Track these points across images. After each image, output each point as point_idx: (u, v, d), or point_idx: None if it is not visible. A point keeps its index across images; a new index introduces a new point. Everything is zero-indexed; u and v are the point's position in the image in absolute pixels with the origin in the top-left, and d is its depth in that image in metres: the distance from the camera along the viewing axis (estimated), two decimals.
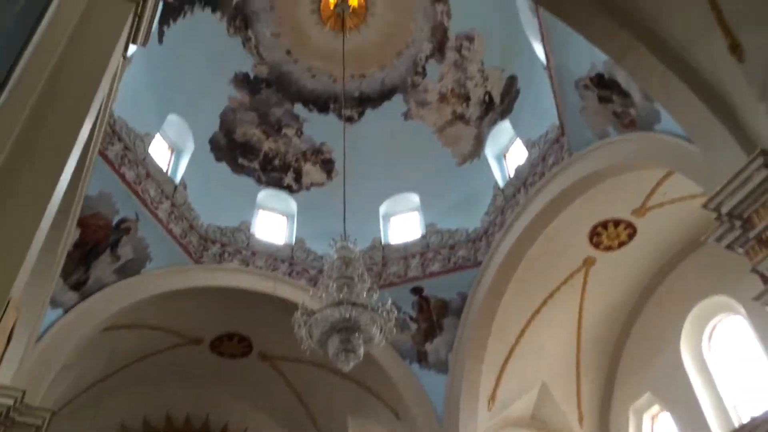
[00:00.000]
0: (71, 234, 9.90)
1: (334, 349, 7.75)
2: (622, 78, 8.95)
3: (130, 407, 13.52)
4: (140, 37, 4.47)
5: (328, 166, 14.94)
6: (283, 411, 14.43)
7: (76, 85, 3.58)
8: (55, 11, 3.42)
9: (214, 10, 12.96)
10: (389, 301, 8.22)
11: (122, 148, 10.97)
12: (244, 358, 13.88)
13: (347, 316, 7.48)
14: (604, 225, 11.93)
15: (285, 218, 14.48)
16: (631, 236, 12.15)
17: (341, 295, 7.81)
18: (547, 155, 11.61)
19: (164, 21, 11.71)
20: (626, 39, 7.95)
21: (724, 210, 6.91)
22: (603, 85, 9.32)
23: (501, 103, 13.32)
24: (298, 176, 14.77)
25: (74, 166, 3.87)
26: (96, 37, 3.71)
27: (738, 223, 6.90)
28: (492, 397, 12.81)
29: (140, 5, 4.10)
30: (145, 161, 11.51)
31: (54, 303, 10.04)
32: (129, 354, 12.54)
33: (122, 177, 10.81)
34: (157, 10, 4.65)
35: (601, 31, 8.12)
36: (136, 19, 4.18)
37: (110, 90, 9.58)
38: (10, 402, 5.74)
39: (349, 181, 12.79)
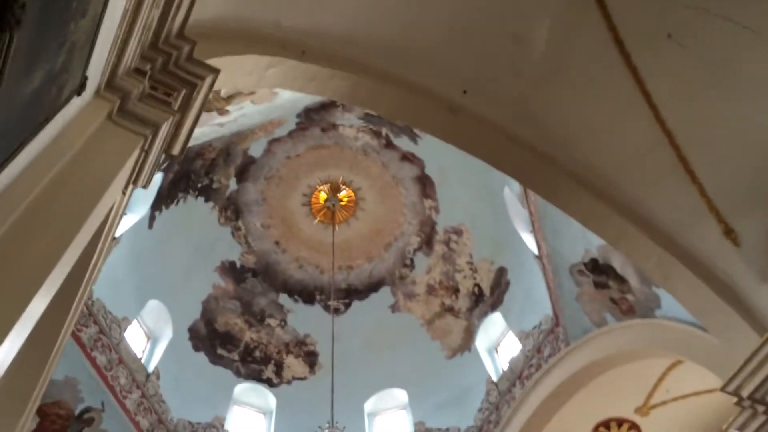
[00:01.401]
0: (28, 423, 8.95)
1: None
2: (617, 263, 8.88)
3: None
4: (142, 179, 4.26)
5: (311, 358, 14.27)
6: None
7: (65, 213, 3.29)
8: (57, 132, 3.23)
9: (207, 200, 13.16)
10: None
11: (97, 332, 10.38)
12: None
13: None
14: (607, 425, 11.18)
15: (262, 415, 13.44)
16: None
17: None
18: (543, 346, 11.18)
19: (157, 207, 11.78)
20: (620, 223, 7.99)
21: (745, 393, 6.43)
22: (598, 270, 9.23)
23: (491, 295, 13.14)
24: (279, 369, 14.02)
25: (23, 340, 3.30)
26: (97, 167, 3.49)
27: (761, 409, 6.39)
28: None
29: (148, 141, 3.95)
30: (119, 346, 10.84)
31: None
32: None
33: (92, 362, 10.09)
34: (161, 155, 4.51)
35: (595, 217, 8.19)
36: (142, 155, 4.00)
37: (94, 267, 9.26)
38: None
39: (334, 375, 12.14)
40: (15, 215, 2.90)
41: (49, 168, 3.17)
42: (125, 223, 10.68)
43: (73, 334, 9.66)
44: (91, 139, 3.56)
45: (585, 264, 9.38)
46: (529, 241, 11.55)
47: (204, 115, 8.14)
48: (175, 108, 4.34)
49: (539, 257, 10.90)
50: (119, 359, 10.74)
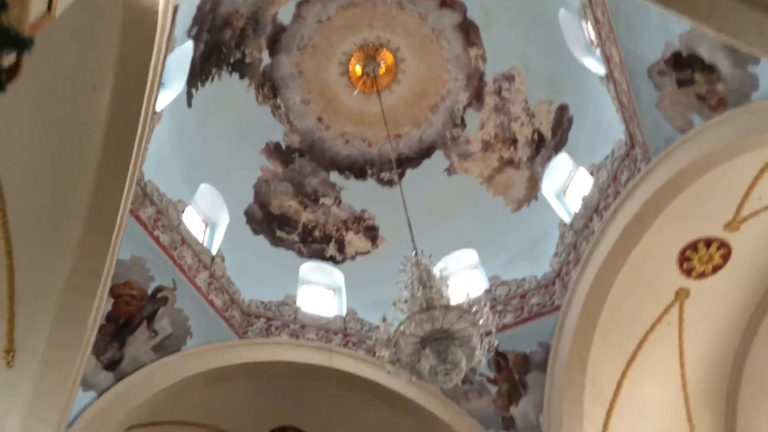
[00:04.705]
0: (102, 303, 8.73)
1: (430, 367, 6.28)
2: (704, 49, 8.01)
3: None
4: None
5: (371, 233, 13.87)
6: None
7: None
8: None
9: (242, 77, 12.48)
10: (486, 304, 6.84)
11: (155, 212, 10.01)
12: None
13: (441, 323, 6.10)
14: (694, 247, 10.52)
15: (332, 292, 13.20)
16: (726, 257, 10.70)
17: (428, 300, 6.44)
18: (619, 173, 10.48)
19: (192, 83, 11.17)
20: None
21: None
22: (681, 65, 8.38)
23: (553, 137, 12.40)
24: (341, 246, 13.67)
25: None
26: None
27: None
28: None
29: None
30: (180, 228, 10.51)
31: (86, 385, 8.70)
32: None
33: (156, 240, 9.78)
34: None
35: None
36: None
37: (141, 137, 8.73)
38: None
39: (396, 246, 11.81)
40: None
41: None
42: (164, 99, 10.12)
43: (132, 213, 9.32)
44: None
45: (665, 61, 8.52)
46: (593, 65, 10.69)
47: None
48: None
49: (608, 74, 10.03)
50: (182, 240, 10.42)
